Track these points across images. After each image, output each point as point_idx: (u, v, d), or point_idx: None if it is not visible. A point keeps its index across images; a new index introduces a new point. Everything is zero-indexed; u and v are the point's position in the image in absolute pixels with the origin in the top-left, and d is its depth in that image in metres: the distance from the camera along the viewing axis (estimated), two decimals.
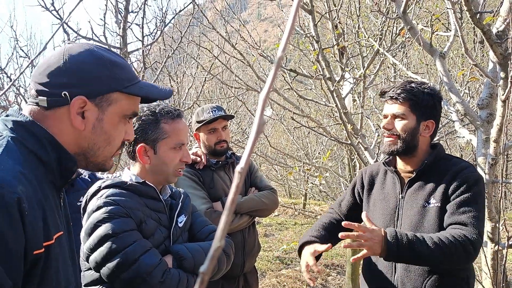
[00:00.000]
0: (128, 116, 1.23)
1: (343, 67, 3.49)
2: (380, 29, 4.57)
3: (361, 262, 2.33)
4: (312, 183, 5.28)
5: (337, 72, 4.68)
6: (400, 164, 2.19)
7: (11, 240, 0.95)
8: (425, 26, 3.19)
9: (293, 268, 6.84)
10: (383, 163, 2.25)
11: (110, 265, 1.60)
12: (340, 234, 1.92)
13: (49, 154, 1.12)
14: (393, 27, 4.32)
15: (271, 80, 0.44)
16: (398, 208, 2.10)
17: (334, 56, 4.23)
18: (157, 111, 1.84)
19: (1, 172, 0.98)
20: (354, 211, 2.33)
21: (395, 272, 2.05)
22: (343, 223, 1.88)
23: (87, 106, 1.14)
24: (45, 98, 1.12)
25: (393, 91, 2.10)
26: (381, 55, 4.48)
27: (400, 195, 2.12)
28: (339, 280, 6.56)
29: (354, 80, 3.80)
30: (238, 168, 0.43)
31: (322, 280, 6.47)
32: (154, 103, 1.89)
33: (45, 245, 1.04)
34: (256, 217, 3.08)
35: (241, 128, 8.38)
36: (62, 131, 1.14)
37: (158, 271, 1.63)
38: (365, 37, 4.36)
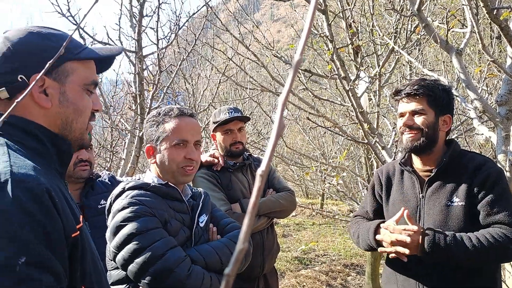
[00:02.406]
0: (89, 85, 1.23)
1: (358, 66, 3.47)
2: (394, 27, 4.53)
3: (382, 257, 2.33)
4: (329, 183, 5.26)
5: (352, 71, 4.66)
6: (417, 163, 2.17)
7: (52, 228, 0.98)
8: (440, 23, 3.16)
9: (312, 268, 6.83)
10: (399, 163, 2.24)
11: (139, 260, 1.63)
12: (378, 237, 1.99)
13: (45, 145, 1.15)
14: (408, 25, 4.28)
15: (289, 84, 0.45)
16: (420, 208, 2.09)
17: (349, 55, 4.21)
18: (160, 112, 1.89)
19: (19, 169, 1.00)
20: (381, 214, 2.32)
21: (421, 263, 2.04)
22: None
23: (46, 83, 1.14)
24: (3, 88, 1.11)
25: (409, 88, 2.09)
26: (396, 53, 4.44)
27: (420, 194, 2.11)
28: (358, 280, 6.53)
29: (369, 79, 3.78)
30: (259, 171, 0.43)
31: (342, 280, 6.44)
32: (166, 106, 1.93)
33: (78, 227, 1.08)
34: (274, 218, 3.08)
35: (256, 129, 8.39)
36: (34, 115, 1.15)
37: (185, 265, 1.66)
38: (379, 35, 4.33)
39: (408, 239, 1.92)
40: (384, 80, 4.81)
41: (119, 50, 1.33)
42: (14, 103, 0.94)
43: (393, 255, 2.02)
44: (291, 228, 10.03)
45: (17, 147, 1.09)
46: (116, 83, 6.17)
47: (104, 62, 1.32)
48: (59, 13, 3.82)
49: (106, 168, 5.56)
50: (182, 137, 1.85)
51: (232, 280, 0.42)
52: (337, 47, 3.51)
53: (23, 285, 0.90)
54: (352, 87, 3.25)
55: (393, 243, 2.00)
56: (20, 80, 1.11)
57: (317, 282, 6.18)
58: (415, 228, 1.94)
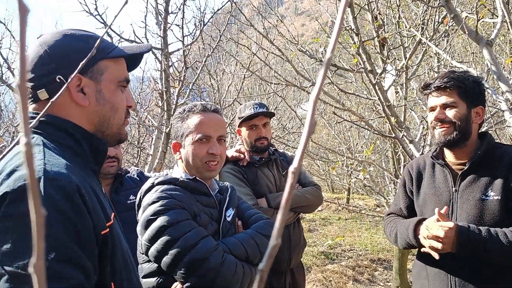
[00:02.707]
0: (122, 83, 1.27)
1: (384, 59, 3.42)
2: (421, 18, 4.44)
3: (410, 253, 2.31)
4: (355, 177, 5.22)
5: (378, 64, 4.59)
6: (450, 156, 2.13)
7: (82, 226, 1.01)
8: (469, 13, 3.08)
9: (338, 263, 6.80)
10: (431, 156, 2.20)
11: (172, 251, 1.66)
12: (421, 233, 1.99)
13: (81, 144, 1.19)
14: (436, 16, 4.18)
15: (320, 81, 0.45)
16: (453, 202, 2.05)
17: (375, 48, 4.15)
18: (186, 109, 1.92)
19: (52, 167, 1.03)
20: (414, 211, 2.28)
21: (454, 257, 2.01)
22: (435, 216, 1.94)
23: (83, 82, 1.18)
24: (43, 89, 1.16)
25: (439, 81, 2.06)
26: (423, 45, 4.36)
27: (453, 188, 2.06)
28: (386, 275, 6.47)
29: (396, 71, 3.72)
30: (291, 168, 0.44)
31: (369, 275, 6.40)
32: (192, 103, 1.96)
33: (108, 225, 1.11)
34: (301, 213, 3.08)
35: (281, 124, 8.38)
36: (72, 114, 1.19)
37: (218, 253, 1.69)
38: (406, 27, 4.25)
39: (442, 234, 1.89)
40: (411, 72, 4.73)
41: (148, 47, 1.36)
42: (50, 102, 0.97)
43: (425, 249, 2.00)
44: (317, 223, 10.00)
45: (53, 146, 1.13)
46: (142, 80, 6.26)
47: (133, 59, 1.35)
48: (87, 12, 3.90)
49: (134, 164, 5.66)
50: (205, 132, 1.87)
51: (266, 275, 0.43)
52: (363, 40, 3.47)
53: (52, 281, 0.93)
54: (378, 81, 3.21)
55: (428, 238, 1.97)
56: (58, 80, 1.16)
57: (343, 277, 6.15)
58: (450, 224, 1.90)
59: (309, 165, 11.75)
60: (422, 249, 2.03)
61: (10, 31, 4.37)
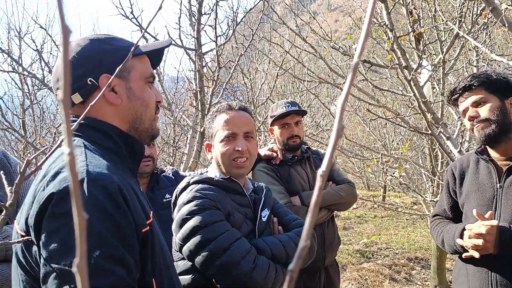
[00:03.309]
0: (149, 79, 1.31)
1: (420, 54, 3.35)
2: (459, 11, 4.32)
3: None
4: (391, 175, 5.13)
5: (414, 59, 4.50)
6: (494, 153, 2.08)
7: (124, 224, 1.05)
8: (509, 5, 2.97)
9: (374, 262, 6.72)
10: (475, 152, 2.15)
11: (204, 253, 1.69)
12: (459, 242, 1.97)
13: (119, 145, 1.23)
14: (474, 8, 4.06)
15: (348, 86, 0.45)
16: (496, 199, 1.99)
17: (410, 43, 4.07)
18: (216, 109, 1.96)
19: (94, 168, 1.07)
20: (459, 211, 2.22)
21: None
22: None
23: (113, 82, 1.22)
24: (77, 93, 1.21)
25: (462, 82, 2.05)
26: (461, 39, 4.24)
27: (498, 184, 2.00)
28: (423, 274, 6.34)
29: (433, 67, 3.64)
30: (319, 171, 0.45)
31: (406, 274, 6.29)
32: (222, 104, 2.00)
33: (147, 223, 1.14)
34: (335, 211, 3.07)
35: (315, 121, 8.33)
36: (107, 114, 1.23)
37: (250, 256, 1.70)
38: (442, 20, 4.14)
39: (484, 230, 1.84)
40: (449, 67, 4.60)
41: (168, 42, 1.40)
42: (89, 106, 1.01)
43: (467, 254, 1.96)
44: (352, 221, 9.89)
45: (93, 147, 1.17)
46: (177, 80, 6.36)
47: (156, 55, 1.39)
48: (123, 15, 3.99)
49: (170, 163, 5.76)
50: (230, 130, 1.90)
51: (296, 276, 0.44)
52: (398, 35, 3.41)
53: (98, 277, 0.97)
54: (414, 76, 3.15)
55: (470, 237, 1.93)
56: (89, 83, 1.20)
57: (380, 276, 6.07)
58: (493, 222, 1.86)
59: (344, 163, 11.64)
60: (464, 255, 1.99)
61: (51, 36, 4.53)
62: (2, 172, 1.35)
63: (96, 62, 1.22)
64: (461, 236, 2.02)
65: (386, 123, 7.53)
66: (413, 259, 6.87)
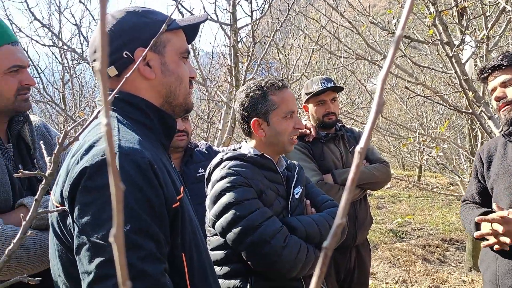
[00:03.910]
0: (184, 54, 1.30)
1: (463, 29, 3.21)
2: None
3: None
4: (428, 154, 5.02)
5: (456, 36, 4.32)
6: None
7: (154, 199, 1.06)
8: None
9: (407, 242, 6.65)
10: (503, 134, 2.08)
11: (236, 230, 1.71)
12: (477, 219, 1.93)
13: (152, 119, 1.23)
14: None
15: (390, 60, 0.44)
16: None
17: (453, 18, 3.90)
18: (263, 85, 1.91)
19: (126, 143, 1.08)
20: (488, 196, 2.17)
21: None
22: (476, 219, 1.91)
23: (148, 56, 1.22)
24: (112, 66, 1.20)
25: (493, 61, 2.00)
26: (507, 13, 4.03)
27: None
28: (458, 255, 6.24)
29: (476, 43, 3.49)
30: (358, 148, 0.43)
31: (440, 255, 6.21)
32: (259, 79, 1.96)
33: (178, 198, 1.15)
34: (368, 190, 3.04)
35: (350, 99, 8.20)
36: (141, 88, 1.23)
37: (281, 236, 1.71)
38: None
39: (500, 229, 1.81)
40: (493, 43, 4.40)
41: (204, 17, 1.38)
42: (124, 79, 1.02)
43: (497, 246, 1.91)
44: (386, 200, 9.79)
45: (126, 122, 1.18)
46: (212, 55, 6.36)
47: (191, 30, 1.37)
48: None
49: (204, 138, 5.82)
50: (290, 109, 1.90)
51: (331, 253, 0.43)
52: (440, 10, 3.27)
53: (128, 250, 0.98)
54: (456, 53, 3.03)
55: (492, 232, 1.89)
56: (125, 56, 1.20)
57: (412, 256, 6.01)
58: (504, 213, 1.82)
59: (378, 141, 11.46)
60: (483, 244, 1.95)
61: (89, 10, 4.60)
62: (42, 142, 1.40)
63: (132, 36, 1.21)
64: (477, 226, 2.00)
65: (424, 101, 7.33)
66: (447, 240, 6.76)
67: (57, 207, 1.12)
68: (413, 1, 0.44)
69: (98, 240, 0.99)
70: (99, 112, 1.02)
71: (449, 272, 5.64)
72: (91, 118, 1.03)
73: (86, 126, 1.02)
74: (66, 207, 1.07)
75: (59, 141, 1.01)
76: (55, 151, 1.01)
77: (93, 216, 1.01)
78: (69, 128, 1.00)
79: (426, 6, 3.39)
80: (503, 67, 1.96)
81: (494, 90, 2.01)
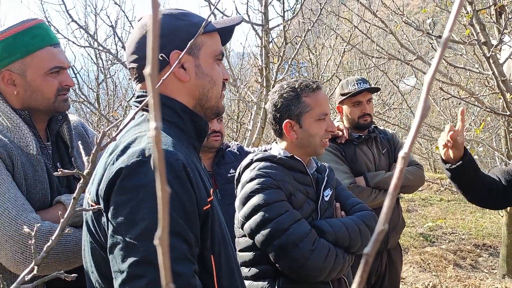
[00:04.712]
0: (218, 56, 1.31)
1: (501, 29, 3.11)
2: None
3: None
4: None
5: (494, 35, 4.20)
6: None
7: (187, 201, 1.08)
8: None
9: (438, 246, 6.50)
10: None
11: (264, 232, 1.72)
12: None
13: (185, 121, 1.24)
14: None
15: (437, 62, 0.43)
16: None
17: (491, 17, 3.79)
18: (296, 87, 1.89)
19: (162, 145, 1.10)
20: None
21: None
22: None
23: (183, 58, 1.22)
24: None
25: None
26: None
27: None
28: (491, 262, 6.06)
29: None
30: (401, 153, 0.43)
31: (472, 260, 6.04)
32: (293, 79, 1.95)
33: (208, 201, 1.17)
34: (409, 193, 2.99)
35: (381, 100, 8.08)
36: (175, 90, 1.24)
37: (309, 239, 1.71)
38: None
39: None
40: None
41: (239, 19, 1.39)
42: (161, 80, 1.04)
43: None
44: (417, 203, 9.59)
45: (160, 123, 1.20)
46: (243, 56, 6.38)
47: (226, 32, 1.38)
48: None
49: (234, 138, 5.85)
50: (324, 111, 1.90)
51: (372, 260, 0.42)
52: (477, 9, 3.18)
53: None
54: (493, 53, 2.94)
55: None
56: (161, 58, 1.22)
57: (443, 261, 5.87)
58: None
59: None
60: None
61: (124, 12, 4.69)
62: (80, 142, 1.43)
63: (168, 38, 1.22)
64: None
65: (459, 103, 7.15)
66: (480, 245, 6.57)
67: (92, 205, 1.14)
68: (461, 3, 0.43)
69: (132, 240, 1.01)
70: (136, 113, 1.04)
71: (482, 279, 5.49)
72: (128, 119, 1.05)
73: (124, 127, 1.04)
74: (101, 206, 1.10)
75: (97, 141, 1.04)
76: (93, 151, 1.04)
77: (127, 216, 1.03)
78: (106, 128, 1.02)
79: (463, 5, 3.30)
80: None
81: None
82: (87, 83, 6.79)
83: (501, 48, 3.46)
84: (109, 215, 1.06)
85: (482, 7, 3.94)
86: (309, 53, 6.60)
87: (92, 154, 1.05)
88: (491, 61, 2.90)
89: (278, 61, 4.33)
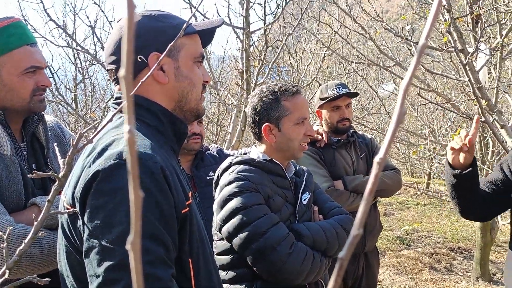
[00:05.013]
0: (198, 58, 1.29)
1: (478, 37, 3.18)
2: None
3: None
4: (438, 162, 4.98)
5: (470, 43, 4.29)
6: None
7: (165, 204, 1.07)
8: None
9: (415, 249, 6.59)
10: None
11: (242, 235, 1.71)
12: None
13: (164, 124, 1.23)
14: None
15: (413, 68, 0.43)
16: None
17: (467, 26, 3.87)
18: (276, 90, 1.89)
19: (139, 148, 1.09)
20: (501, 189, 2.09)
21: None
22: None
23: (162, 60, 1.21)
24: None
25: None
26: None
27: None
28: (465, 265, 6.17)
29: (490, 51, 3.46)
30: (376, 158, 0.43)
31: (447, 263, 6.15)
32: (273, 83, 1.95)
33: (187, 204, 1.16)
34: (386, 197, 3.02)
35: (360, 105, 8.17)
36: (153, 91, 1.23)
37: (287, 243, 1.71)
38: (504, 2, 3.91)
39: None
40: (507, 51, 4.36)
41: (220, 22, 1.37)
42: (140, 83, 1.03)
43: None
44: (394, 207, 9.71)
45: (139, 125, 1.18)
46: (223, 58, 6.38)
47: (207, 34, 1.37)
48: None
49: (213, 141, 5.83)
50: (303, 115, 1.89)
51: (346, 264, 0.43)
52: (455, 17, 3.25)
53: None
54: (469, 61, 3.01)
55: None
56: (139, 60, 1.20)
57: (419, 264, 5.96)
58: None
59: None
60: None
61: (103, 12, 4.64)
62: (56, 144, 1.41)
63: (147, 40, 1.21)
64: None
65: (436, 108, 7.28)
66: (455, 249, 6.69)
67: (67, 208, 1.12)
68: (438, 12, 0.44)
69: (108, 244, 1.00)
70: (113, 115, 1.03)
71: (456, 281, 5.59)
72: (106, 121, 1.03)
73: (101, 129, 1.03)
74: (77, 209, 1.08)
75: (73, 143, 1.02)
76: (69, 153, 1.02)
77: (103, 219, 1.01)
78: (83, 130, 1.00)
79: (441, 13, 3.36)
80: None
81: None
82: (64, 83, 6.68)
83: (477, 56, 3.54)
84: (85, 218, 1.04)
85: (459, 15, 4.02)
86: (289, 57, 6.64)
87: (68, 156, 1.03)
88: (467, 68, 2.96)
89: (258, 65, 4.33)
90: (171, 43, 1.03)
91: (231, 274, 1.83)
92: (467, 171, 1.96)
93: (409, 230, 7.62)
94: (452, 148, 1.98)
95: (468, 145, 1.90)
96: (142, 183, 1.04)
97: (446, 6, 2.99)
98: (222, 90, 5.52)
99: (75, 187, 1.10)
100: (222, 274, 1.83)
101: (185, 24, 1.05)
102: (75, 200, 1.09)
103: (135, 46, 1.21)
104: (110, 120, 1.07)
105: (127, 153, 0.31)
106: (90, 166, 1.08)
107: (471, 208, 2.16)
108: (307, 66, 6.80)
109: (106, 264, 0.99)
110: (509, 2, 3.76)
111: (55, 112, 7.04)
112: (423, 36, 0.44)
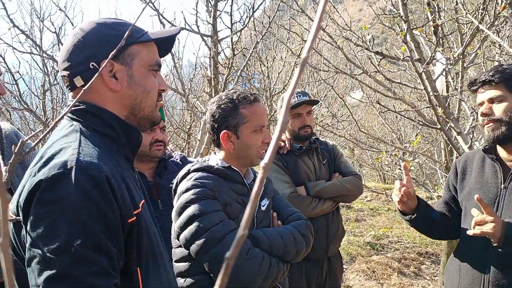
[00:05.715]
0: (154, 67, 1.30)
1: (434, 46, 3.29)
2: (482, 4, 4.20)
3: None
4: (399, 168, 5.09)
5: (427, 54, 4.42)
6: (503, 152, 2.03)
7: (109, 213, 1.07)
8: None
9: (384, 255, 6.70)
10: (482, 150, 2.11)
11: (199, 242, 1.73)
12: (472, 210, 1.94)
13: (117, 132, 1.24)
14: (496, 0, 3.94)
15: (295, 81, 0.47)
16: (499, 200, 1.96)
17: (427, 35, 4.00)
18: (234, 98, 1.92)
19: (85, 157, 1.09)
20: (455, 207, 2.22)
21: (489, 258, 1.93)
22: (475, 197, 1.84)
23: (115, 67, 1.23)
24: (79, 76, 1.22)
25: (484, 75, 1.98)
26: (483, 32, 4.14)
27: (502, 185, 1.97)
28: (433, 269, 6.30)
29: (447, 60, 3.58)
30: (262, 163, 0.46)
31: (415, 268, 6.26)
32: (231, 91, 1.97)
33: (135, 213, 1.16)
34: (347, 202, 3.07)
35: (330, 112, 8.28)
36: (105, 99, 1.24)
37: (244, 249, 1.74)
38: (464, 12, 4.05)
39: (490, 227, 1.80)
40: (469, 61, 4.51)
41: (177, 30, 1.39)
42: (83, 90, 1.04)
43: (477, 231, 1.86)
44: (366, 213, 9.85)
45: (89, 133, 1.19)
46: (195, 66, 6.39)
47: (165, 43, 1.38)
48: (140, 0, 4.03)
49: (182, 148, 5.81)
50: (261, 123, 1.92)
51: (232, 263, 0.45)
52: (416, 26, 3.35)
53: (78, 265, 1.00)
54: (426, 70, 3.11)
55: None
56: (92, 67, 1.21)
57: (388, 269, 6.06)
58: (492, 219, 1.81)
59: (360, 155, 11.56)
60: (468, 232, 1.91)
61: (69, 18, 4.60)
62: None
63: (99, 47, 1.22)
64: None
65: (396, 116, 7.44)
66: (423, 253, 6.82)
67: (12, 217, 1.12)
68: (318, 28, 0.48)
69: (49, 254, 1.00)
70: (56, 122, 1.04)
71: (424, 286, 5.70)
72: (48, 129, 1.04)
73: (39, 140, 1.03)
74: (21, 218, 1.08)
75: (15, 150, 1.02)
76: (10, 161, 1.02)
77: (45, 229, 1.02)
78: (25, 138, 1.01)
79: (397, 23, 3.47)
80: (493, 83, 1.95)
81: (481, 104, 2.01)
82: (32, 90, 6.57)
83: (434, 65, 3.65)
84: (28, 227, 1.04)
85: (422, 24, 4.14)
86: (260, 65, 6.69)
87: (9, 164, 1.04)
88: (423, 77, 3.06)
89: (226, 72, 4.37)
90: (116, 48, 1.05)
91: (189, 281, 1.84)
92: (415, 215, 2.15)
93: (379, 235, 7.74)
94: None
95: (405, 196, 2.08)
96: (87, 192, 1.05)
97: (403, 17, 3.08)
98: (191, 97, 5.53)
99: (19, 196, 1.10)
100: (181, 281, 1.85)
101: (127, 32, 1.06)
102: (19, 208, 1.09)
103: (88, 54, 1.22)
104: (53, 128, 1.08)
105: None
106: (35, 175, 1.08)
107: (437, 234, 2.38)
108: (278, 73, 6.87)
109: (46, 273, 0.99)
110: (467, 13, 3.90)
111: (22, 119, 6.91)
112: (304, 51, 0.47)
